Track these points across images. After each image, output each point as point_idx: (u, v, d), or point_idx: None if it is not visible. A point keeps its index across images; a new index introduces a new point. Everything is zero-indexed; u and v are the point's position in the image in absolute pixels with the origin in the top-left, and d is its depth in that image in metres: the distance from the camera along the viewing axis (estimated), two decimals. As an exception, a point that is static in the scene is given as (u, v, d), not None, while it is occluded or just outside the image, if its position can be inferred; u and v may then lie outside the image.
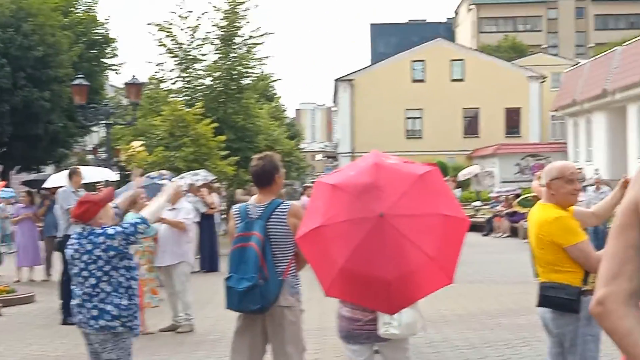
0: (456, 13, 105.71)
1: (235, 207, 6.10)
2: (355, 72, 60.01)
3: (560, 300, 5.25)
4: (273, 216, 5.83)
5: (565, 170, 5.44)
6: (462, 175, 40.70)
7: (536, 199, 26.98)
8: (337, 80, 60.23)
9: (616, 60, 39.79)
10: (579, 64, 48.89)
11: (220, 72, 30.97)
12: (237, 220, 5.93)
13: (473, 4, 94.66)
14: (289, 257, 5.85)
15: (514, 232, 28.33)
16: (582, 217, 5.52)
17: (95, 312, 5.91)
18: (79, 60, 35.88)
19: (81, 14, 39.38)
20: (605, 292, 2.18)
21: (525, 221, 25.91)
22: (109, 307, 5.89)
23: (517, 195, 31.27)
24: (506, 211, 30.11)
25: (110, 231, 5.91)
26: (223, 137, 27.07)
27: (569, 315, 5.28)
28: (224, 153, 27.07)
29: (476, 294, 13.84)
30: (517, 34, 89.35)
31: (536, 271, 5.55)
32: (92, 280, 5.92)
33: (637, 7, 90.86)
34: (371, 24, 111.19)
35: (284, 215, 5.84)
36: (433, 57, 58.63)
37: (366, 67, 62.15)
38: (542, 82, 58.59)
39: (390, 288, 4.69)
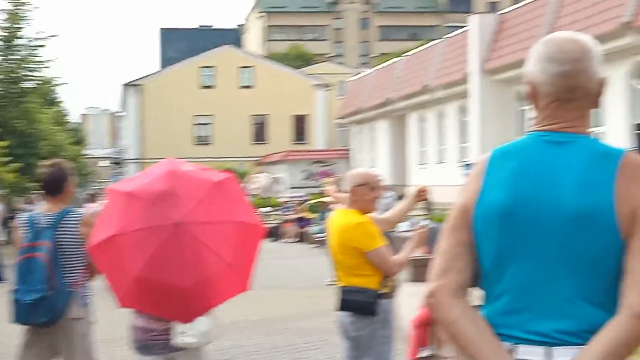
0: (247, 20, 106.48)
1: (22, 216, 5.84)
2: (144, 77, 59.14)
3: (359, 304, 5.40)
4: (63, 225, 5.62)
5: (370, 177, 5.61)
6: (253, 187, 41.10)
7: (324, 204, 27.27)
8: (125, 85, 59.10)
9: (398, 70, 41.47)
10: (364, 73, 50.52)
11: (0, 75, 29.62)
12: (24, 229, 5.67)
13: (263, 12, 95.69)
14: (80, 268, 5.66)
15: (302, 238, 28.83)
16: (378, 222, 5.71)
17: None
18: None
19: None
20: (436, 285, 2.42)
21: (312, 226, 26.34)
22: None
23: (305, 201, 31.92)
24: (295, 217, 30.61)
25: None
26: (3, 143, 25.90)
27: (367, 318, 5.44)
28: (4, 159, 25.89)
29: (267, 299, 13.96)
30: (305, 43, 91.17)
31: (335, 275, 5.67)
32: None
33: (417, 19, 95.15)
34: (161, 29, 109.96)
35: (75, 224, 5.64)
36: (222, 63, 58.80)
37: (155, 72, 61.41)
38: (328, 90, 60.10)
39: (187, 296, 4.64)
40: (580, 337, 2.29)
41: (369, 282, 5.40)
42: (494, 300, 2.41)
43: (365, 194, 5.52)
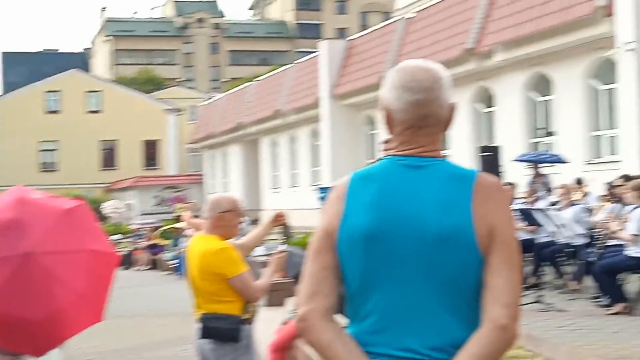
0: (93, 44, 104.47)
1: None
2: (-15, 102, 57.08)
3: (222, 331, 5.33)
4: None
5: (236, 203, 5.56)
6: (107, 211, 40.19)
7: (177, 230, 26.80)
8: (-35, 110, 56.82)
9: (249, 95, 41.60)
10: (215, 98, 50.42)
11: None
12: None
13: (109, 35, 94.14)
14: None
15: (155, 265, 28.35)
16: (237, 248, 5.65)
17: None
18: None
19: None
20: (306, 310, 2.46)
21: (165, 252, 25.89)
22: None
23: (158, 228, 31.44)
24: (147, 243, 30.09)
25: None
26: None
27: (230, 345, 5.37)
28: None
29: (121, 329, 13.62)
30: (154, 67, 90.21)
31: (195, 303, 5.56)
32: None
33: (267, 44, 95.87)
34: (2, 52, 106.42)
35: None
36: (69, 87, 57.47)
37: (-3, 97, 59.35)
38: (179, 115, 59.65)
39: (37, 329, 4.44)
40: (446, 352, 2.39)
41: (231, 308, 5.34)
42: (362, 319, 2.47)
43: (232, 219, 5.48)
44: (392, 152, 2.56)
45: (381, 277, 2.43)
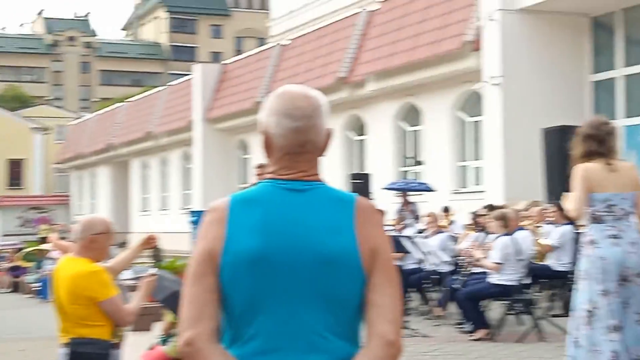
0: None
1: None
2: None
3: (91, 356, 5.19)
4: None
5: (109, 225, 5.44)
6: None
7: (41, 252, 25.97)
8: None
9: (120, 116, 40.95)
10: (84, 118, 49.43)
11: None
12: None
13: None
14: None
15: (16, 287, 27.42)
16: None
17: None
18: None
19: None
20: (192, 334, 2.43)
21: (28, 275, 25.08)
22: None
23: (21, 249, 30.43)
24: (8, 265, 29.10)
25: None
26: None
27: None
28: None
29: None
30: (22, 84, 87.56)
31: (61, 327, 5.39)
32: None
33: (140, 65, 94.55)
34: None
35: None
36: None
37: None
38: (47, 134, 58.11)
39: None
40: None
41: (101, 332, 5.22)
42: (246, 342, 2.47)
43: (104, 242, 5.36)
44: (270, 176, 2.57)
45: (267, 299, 2.45)
